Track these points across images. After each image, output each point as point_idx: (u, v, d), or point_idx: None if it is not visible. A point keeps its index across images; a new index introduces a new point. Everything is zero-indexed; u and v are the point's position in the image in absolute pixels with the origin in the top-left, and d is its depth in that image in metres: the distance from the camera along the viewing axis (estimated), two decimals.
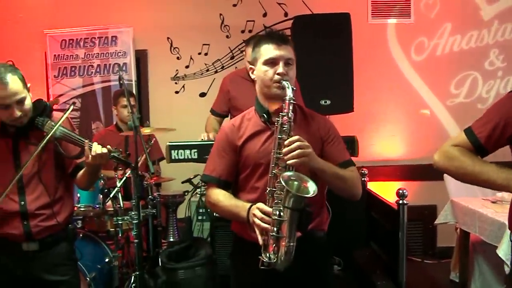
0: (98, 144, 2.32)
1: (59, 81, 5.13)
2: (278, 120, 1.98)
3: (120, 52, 5.07)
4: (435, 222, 4.10)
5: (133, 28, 5.09)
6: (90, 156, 2.26)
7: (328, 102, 4.10)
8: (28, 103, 2.29)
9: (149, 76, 5.29)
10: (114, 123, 4.52)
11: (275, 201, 1.91)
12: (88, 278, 3.16)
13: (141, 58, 5.25)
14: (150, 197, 3.85)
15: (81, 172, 2.44)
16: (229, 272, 3.46)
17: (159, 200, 3.89)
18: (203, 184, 4.27)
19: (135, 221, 3.27)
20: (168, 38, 5.23)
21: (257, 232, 1.91)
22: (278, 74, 2.03)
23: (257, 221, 1.90)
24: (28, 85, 2.33)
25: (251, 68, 2.18)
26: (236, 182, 2.19)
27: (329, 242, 2.25)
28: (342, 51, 4.28)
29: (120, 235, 3.60)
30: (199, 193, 4.44)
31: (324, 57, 4.09)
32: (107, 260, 3.56)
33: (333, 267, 3.80)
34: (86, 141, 2.32)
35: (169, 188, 4.69)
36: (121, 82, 3.47)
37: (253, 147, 2.12)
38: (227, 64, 5.21)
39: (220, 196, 2.14)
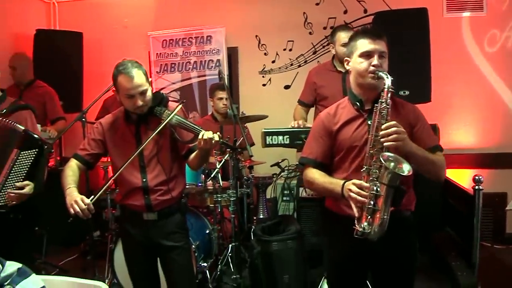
0: None
1: (160, 76, 5.36)
2: (377, 106, 2.03)
3: (214, 50, 5.21)
4: (506, 208, 3.97)
5: (225, 28, 5.21)
6: (202, 141, 2.34)
7: (407, 92, 4.03)
8: (149, 94, 2.43)
9: (239, 70, 5.43)
10: (210, 113, 4.63)
11: (370, 178, 1.96)
12: (193, 246, 3.33)
13: (232, 54, 5.38)
14: (245, 177, 3.98)
15: (193, 154, 2.53)
16: (314, 248, 3.56)
17: (252, 181, 4.02)
18: (289, 167, 4.37)
19: (232, 199, 3.43)
20: (256, 36, 5.34)
21: (353, 205, 1.97)
22: (373, 65, 2.08)
23: (353, 195, 1.95)
24: (150, 79, 2.49)
25: (346, 60, 2.23)
26: (331, 164, 2.24)
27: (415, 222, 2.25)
28: (420, 44, 4.19)
29: (219, 210, 3.77)
30: (284, 176, 4.53)
31: (403, 51, 3.99)
32: (207, 231, 3.73)
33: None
34: (200, 128, 2.39)
35: (257, 171, 4.80)
36: (220, 76, 3.62)
37: (347, 132, 2.17)
38: (310, 58, 5.25)
39: (316, 175, 2.21)
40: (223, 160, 3.72)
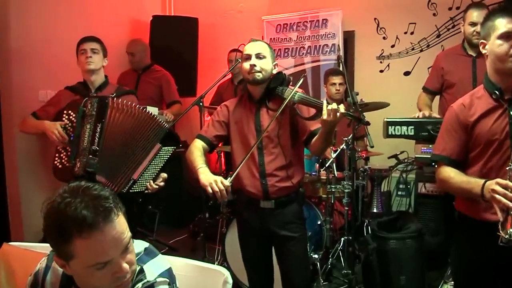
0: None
1: None
2: None
3: (329, 34, 5.07)
4: None
5: (342, 11, 5.04)
6: (326, 113, 2.19)
7: None
8: (267, 64, 2.46)
9: (355, 55, 5.23)
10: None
11: None
12: None
13: (348, 38, 5.20)
14: (361, 169, 3.87)
15: (315, 138, 2.43)
16: (432, 248, 3.36)
17: (368, 173, 3.90)
18: (407, 160, 4.17)
19: (347, 190, 3.34)
20: (375, 18, 5.09)
21: (496, 208, 1.80)
22: None
23: (498, 196, 1.78)
24: (275, 62, 2.54)
25: (482, 42, 2.04)
26: (467, 160, 2.09)
27: None
28: None
29: (332, 201, 3.69)
30: (400, 169, 4.32)
31: None
32: (318, 223, 3.67)
33: None
34: (322, 101, 2.29)
35: (372, 163, 4.61)
36: (339, 61, 3.53)
37: (485, 125, 2.00)
38: (433, 42, 4.87)
39: (452, 173, 2.06)
40: (339, 150, 3.63)
